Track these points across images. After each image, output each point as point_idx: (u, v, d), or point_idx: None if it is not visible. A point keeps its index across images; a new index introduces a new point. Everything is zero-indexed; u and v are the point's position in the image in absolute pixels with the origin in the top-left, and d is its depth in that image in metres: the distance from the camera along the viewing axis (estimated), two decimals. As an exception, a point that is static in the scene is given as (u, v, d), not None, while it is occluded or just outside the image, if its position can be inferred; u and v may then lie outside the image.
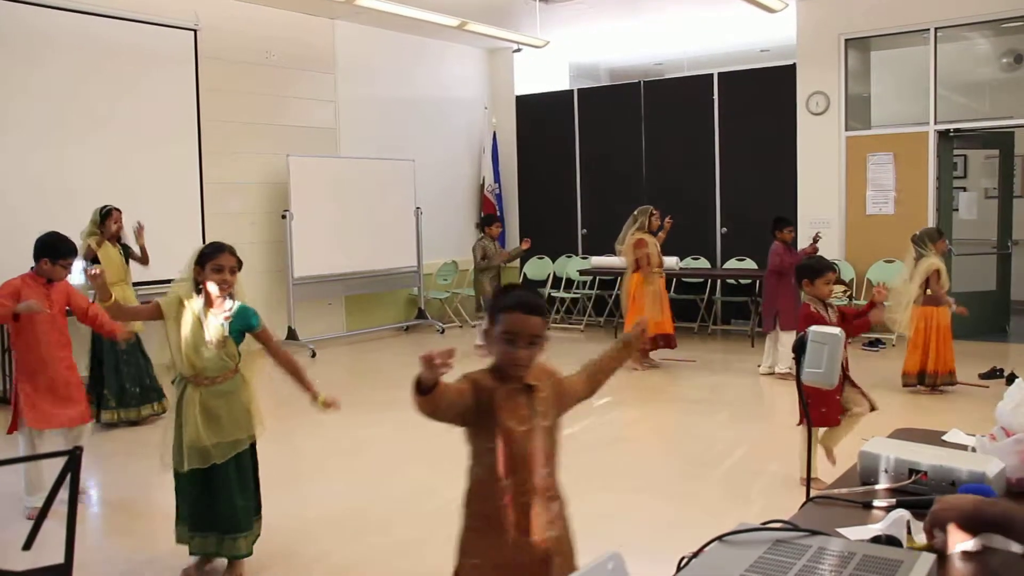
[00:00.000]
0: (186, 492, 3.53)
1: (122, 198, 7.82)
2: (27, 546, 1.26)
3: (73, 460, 1.12)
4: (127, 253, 6.50)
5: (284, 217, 9.10)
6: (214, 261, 3.42)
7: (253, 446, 3.65)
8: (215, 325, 3.45)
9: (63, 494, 1.21)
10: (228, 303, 3.50)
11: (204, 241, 8.57)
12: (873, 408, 4.59)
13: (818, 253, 7.64)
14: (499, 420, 2.22)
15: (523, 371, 2.25)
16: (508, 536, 2.24)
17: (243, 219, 9.11)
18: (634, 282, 7.89)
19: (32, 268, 4.56)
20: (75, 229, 7.34)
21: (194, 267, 3.45)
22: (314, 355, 8.96)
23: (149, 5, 8.13)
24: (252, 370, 3.67)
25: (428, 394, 2.05)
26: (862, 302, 8.98)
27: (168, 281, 3.81)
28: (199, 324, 3.42)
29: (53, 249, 4.52)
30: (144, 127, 8.14)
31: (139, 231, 6.64)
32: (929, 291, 6.71)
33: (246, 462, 3.60)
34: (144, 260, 6.69)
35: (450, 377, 2.12)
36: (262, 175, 9.24)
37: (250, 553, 3.63)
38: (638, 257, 7.81)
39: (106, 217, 6.27)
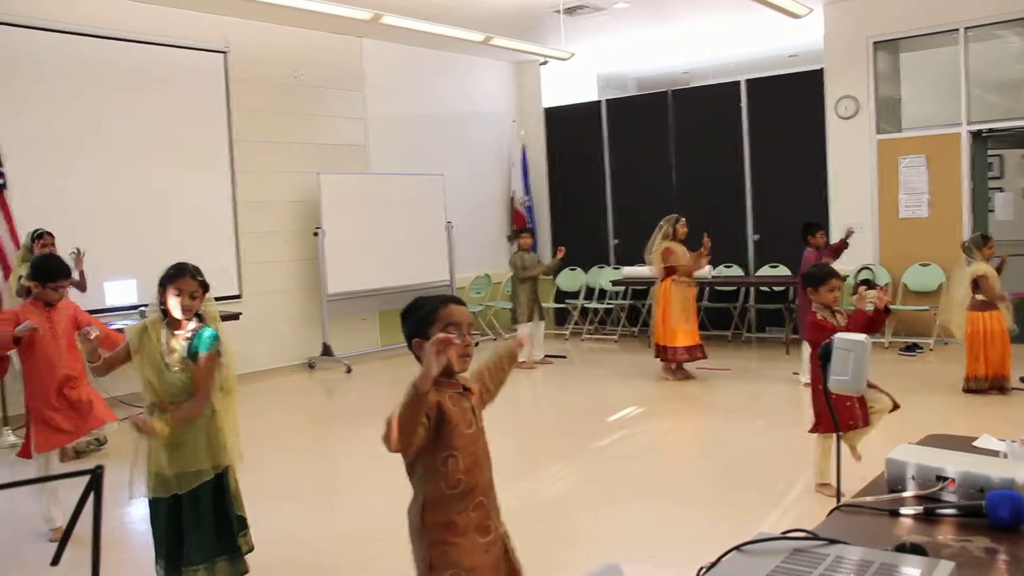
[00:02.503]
0: (160, 524, 3.40)
1: (156, 218, 8.03)
2: (55, 562, 1.30)
3: (95, 478, 1.15)
4: None
5: (316, 234, 9.20)
6: (174, 285, 3.34)
7: (222, 476, 3.50)
8: (177, 348, 3.37)
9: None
10: (190, 325, 3.41)
11: (239, 260, 8.73)
12: (896, 406, 4.60)
13: (847, 247, 7.59)
14: (453, 427, 2.29)
15: (471, 359, 2.37)
16: (474, 540, 2.32)
17: (276, 237, 9.22)
18: (663, 290, 7.85)
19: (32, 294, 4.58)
20: (110, 248, 7.55)
21: (158, 289, 3.39)
22: (349, 371, 9.02)
23: (180, 30, 8.29)
24: (227, 400, 3.53)
25: (426, 395, 2.07)
26: (898, 306, 8.88)
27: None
28: (160, 347, 3.35)
29: (42, 272, 4.51)
30: (177, 148, 8.29)
31: (78, 258, 6.50)
32: (979, 296, 6.65)
33: (207, 493, 3.44)
34: (82, 287, 6.55)
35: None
36: (294, 193, 9.35)
37: None
38: (670, 265, 7.77)
39: (36, 240, 6.13)
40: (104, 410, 4.70)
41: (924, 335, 8.95)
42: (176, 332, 3.39)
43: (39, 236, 6.18)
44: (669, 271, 7.79)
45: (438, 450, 2.29)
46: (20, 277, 5.93)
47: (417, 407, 2.08)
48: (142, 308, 3.46)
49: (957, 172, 8.97)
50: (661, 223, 7.93)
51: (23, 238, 6.37)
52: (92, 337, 3.35)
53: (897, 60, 9.71)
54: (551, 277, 10.81)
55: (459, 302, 2.40)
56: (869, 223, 9.39)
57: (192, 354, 3.39)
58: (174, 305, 3.35)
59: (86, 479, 1.10)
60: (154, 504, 3.40)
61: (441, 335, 2.07)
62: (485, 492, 2.36)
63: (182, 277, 3.36)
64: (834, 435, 4.53)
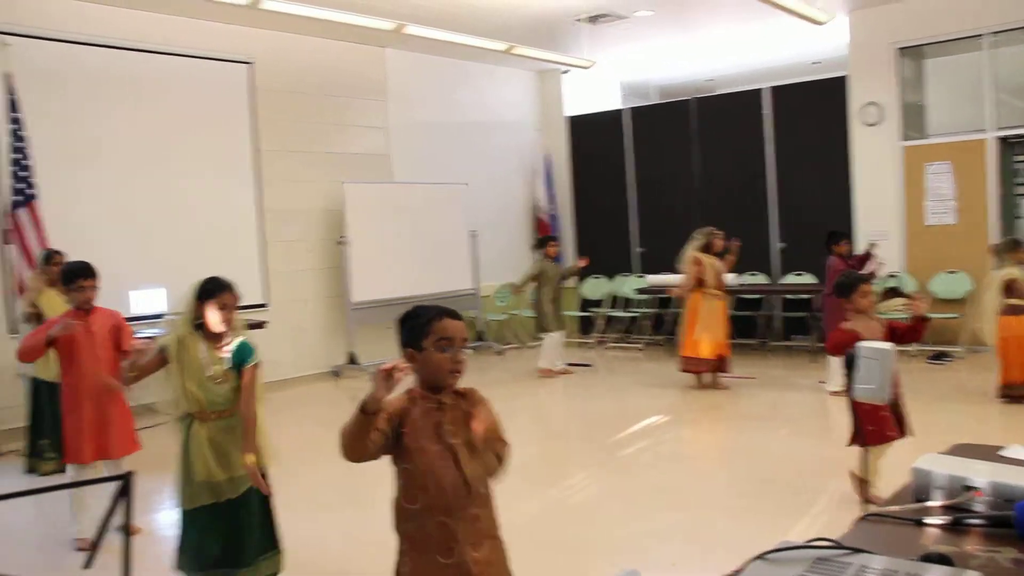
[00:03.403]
0: (195, 529, 3.44)
1: (182, 227, 8.12)
2: (87, 565, 1.32)
3: (126, 484, 1.17)
4: None
5: (341, 243, 9.25)
6: (217, 299, 3.41)
7: (263, 477, 3.55)
8: (217, 359, 3.44)
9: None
10: (227, 338, 3.49)
11: (264, 269, 8.79)
12: (907, 434, 4.51)
13: (874, 260, 7.52)
14: (411, 440, 2.29)
15: (461, 375, 2.34)
16: (434, 558, 2.29)
17: (301, 246, 9.29)
18: (693, 300, 7.82)
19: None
20: (136, 257, 7.64)
21: (194, 302, 3.43)
22: (373, 379, 9.04)
23: (206, 42, 8.38)
24: (259, 403, 3.59)
25: (371, 416, 2.14)
26: (929, 314, 8.77)
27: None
28: (200, 359, 3.41)
29: (64, 275, 4.56)
30: (203, 158, 8.38)
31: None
32: (1009, 301, 6.58)
33: (254, 496, 3.52)
34: None
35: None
36: (318, 202, 9.41)
37: None
38: (690, 275, 7.74)
39: (48, 260, 6.06)
40: (130, 439, 4.68)
41: (952, 343, 8.85)
42: (215, 345, 3.46)
43: (48, 257, 6.10)
44: (699, 282, 7.75)
45: (398, 460, 2.33)
46: (31, 303, 5.89)
47: (361, 425, 2.15)
48: (169, 317, 3.49)
49: (984, 178, 8.88)
50: (696, 235, 7.90)
51: (39, 254, 6.34)
52: (143, 361, 3.43)
53: (922, 66, 9.65)
54: (568, 282, 10.80)
55: (455, 316, 2.37)
56: (895, 230, 9.32)
57: (237, 366, 3.47)
58: (216, 320, 3.40)
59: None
60: (195, 513, 3.42)
61: (388, 364, 2.09)
62: (450, 514, 2.27)
63: (225, 292, 3.44)
64: (865, 447, 4.48)
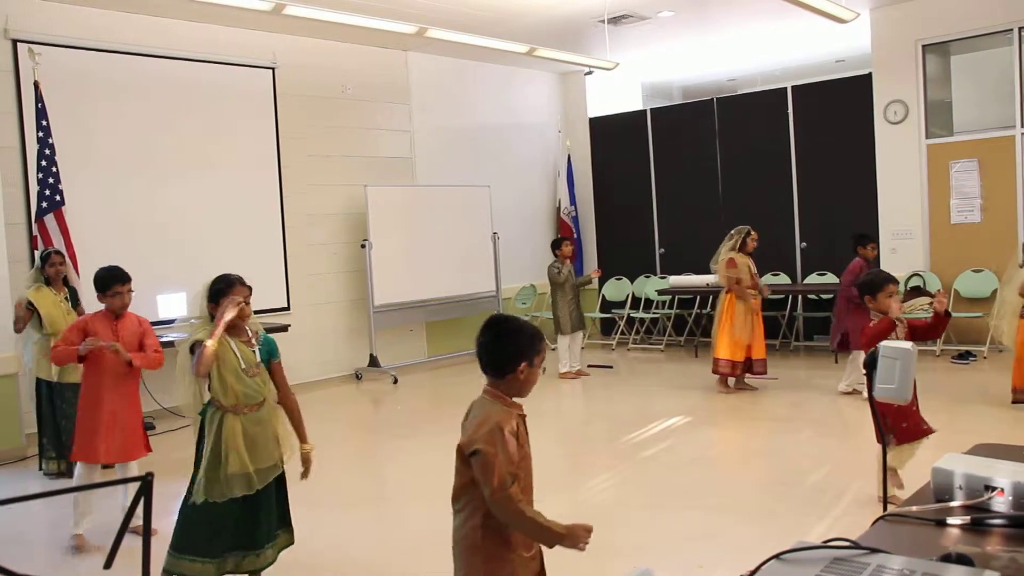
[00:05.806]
0: (207, 522, 3.48)
1: (207, 231, 8.19)
2: (107, 565, 1.34)
3: (146, 484, 1.19)
4: (74, 296, 6.18)
5: (364, 246, 9.29)
6: (230, 295, 3.47)
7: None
8: (248, 352, 3.53)
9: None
10: (249, 332, 3.59)
11: (287, 273, 8.85)
12: (930, 431, 4.46)
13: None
14: (522, 449, 2.43)
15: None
16: (521, 555, 2.43)
17: (324, 249, 9.34)
18: (726, 302, 7.75)
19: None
20: (161, 262, 7.71)
21: (207, 304, 3.51)
22: (396, 381, 9.09)
23: (230, 47, 8.46)
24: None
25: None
26: (951, 313, 8.69)
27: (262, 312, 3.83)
28: (234, 353, 3.48)
29: (99, 282, 4.54)
30: (227, 163, 8.45)
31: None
32: None
33: (273, 483, 3.64)
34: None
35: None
36: (341, 206, 9.46)
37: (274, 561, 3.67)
38: (728, 277, 7.67)
39: (45, 261, 6.00)
40: (139, 445, 4.69)
41: (977, 342, 8.77)
42: (242, 339, 3.55)
43: (46, 256, 6.05)
44: (729, 283, 7.67)
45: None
46: (28, 301, 5.86)
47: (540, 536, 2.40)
48: (193, 320, 3.55)
49: (1012, 175, 8.78)
50: (732, 232, 7.82)
51: (36, 257, 6.34)
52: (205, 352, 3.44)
53: (947, 62, 9.56)
54: (594, 285, 10.79)
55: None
56: (919, 229, 9.24)
57: (267, 358, 3.61)
58: (234, 315, 3.47)
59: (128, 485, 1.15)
60: (214, 506, 3.47)
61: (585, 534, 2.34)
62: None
63: (235, 286, 3.52)
64: (900, 446, 4.44)
